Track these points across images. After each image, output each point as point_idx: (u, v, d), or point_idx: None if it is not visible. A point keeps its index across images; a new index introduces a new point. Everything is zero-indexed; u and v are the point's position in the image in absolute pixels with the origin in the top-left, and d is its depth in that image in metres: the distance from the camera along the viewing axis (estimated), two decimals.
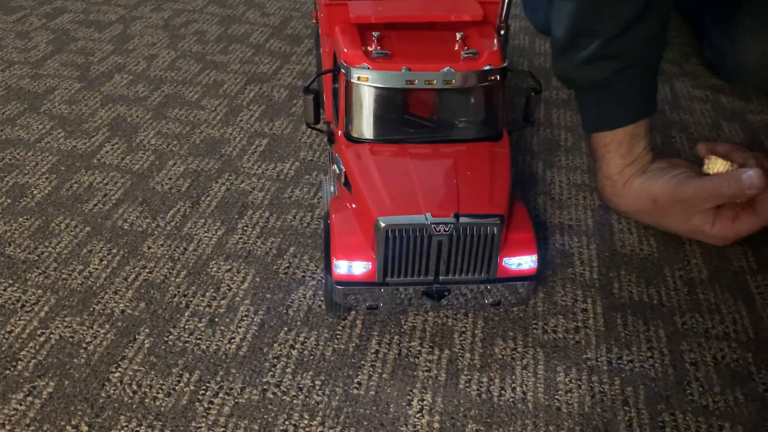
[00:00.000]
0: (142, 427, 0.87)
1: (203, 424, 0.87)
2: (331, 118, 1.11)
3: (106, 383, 0.92)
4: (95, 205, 1.25)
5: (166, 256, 1.14)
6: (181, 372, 0.94)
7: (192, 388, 0.92)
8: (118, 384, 0.92)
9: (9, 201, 1.25)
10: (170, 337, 1.00)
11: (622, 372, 0.98)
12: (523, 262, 0.93)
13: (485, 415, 0.90)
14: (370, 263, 0.91)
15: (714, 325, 1.06)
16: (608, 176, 1.20)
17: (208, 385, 0.93)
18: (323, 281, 1.04)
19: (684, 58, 1.91)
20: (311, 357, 0.98)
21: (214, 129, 1.49)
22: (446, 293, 0.94)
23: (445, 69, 0.94)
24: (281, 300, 1.07)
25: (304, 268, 1.13)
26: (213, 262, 1.13)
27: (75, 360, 0.95)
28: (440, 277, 0.92)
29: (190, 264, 1.13)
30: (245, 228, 1.21)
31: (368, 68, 0.95)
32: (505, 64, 0.99)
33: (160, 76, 1.69)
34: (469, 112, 1.01)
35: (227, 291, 1.08)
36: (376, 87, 0.96)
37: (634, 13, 1.08)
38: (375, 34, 1.00)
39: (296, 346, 0.99)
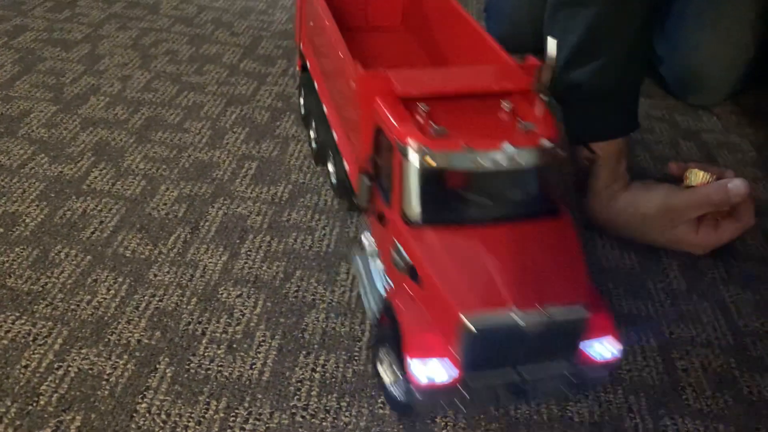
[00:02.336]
0: None
1: None
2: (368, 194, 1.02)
3: (134, 414, 0.93)
4: (92, 232, 1.24)
5: (174, 283, 1.14)
6: (208, 400, 0.96)
7: (222, 415, 0.94)
8: (147, 414, 0.93)
9: (1, 230, 1.23)
10: (191, 365, 1.01)
11: (623, 381, 1.05)
12: (604, 347, 0.88)
13: (505, 428, 0.95)
14: (451, 363, 0.83)
15: (698, 333, 1.15)
16: (596, 192, 1.28)
17: (237, 411, 0.94)
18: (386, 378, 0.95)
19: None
20: (333, 379, 1.01)
21: (201, 152, 1.50)
22: (529, 388, 0.87)
23: (508, 147, 0.88)
24: (295, 324, 1.09)
25: (312, 291, 1.15)
26: (222, 288, 1.15)
27: (98, 392, 0.95)
28: (521, 370, 0.86)
29: (199, 290, 1.14)
30: (249, 252, 1.23)
31: (429, 149, 0.88)
32: (565, 137, 0.96)
33: (138, 98, 1.68)
34: (530, 188, 0.95)
35: (241, 317, 1.10)
36: (438, 169, 0.89)
37: (644, 19, 1.17)
38: (423, 106, 0.93)
39: (317, 369, 1.02)
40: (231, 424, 0.93)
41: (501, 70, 1.06)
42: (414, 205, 0.90)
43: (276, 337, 1.07)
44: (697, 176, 1.22)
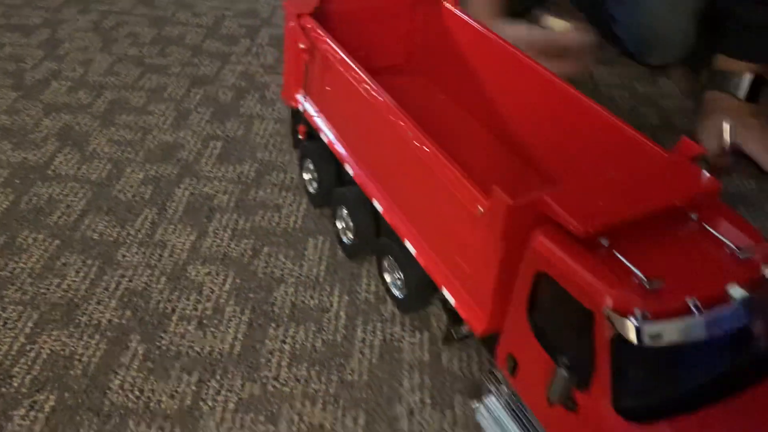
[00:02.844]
0: (152, 430, 0.90)
1: (211, 422, 0.92)
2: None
3: (108, 391, 0.95)
4: (59, 217, 1.24)
5: (143, 264, 1.16)
6: (179, 374, 0.98)
7: (194, 388, 0.96)
8: (120, 391, 0.95)
9: None
10: (162, 342, 1.03)
11: None
12: None
13: (470, 388, 0.99)
14: None
15: None
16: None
17: (209, 384, 0.97)
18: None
19: (599, 46, 2.07)
20: (303, 350, 1.03)
21: (166, 134, 1.50)
22: None
23: (737, 293, 0.68)
24: (264, 298, 1.11)
25: (281, 267, 1.18)
26: (191, 267, 1.16)
27: (71, 372, 0.97)
28: None
29: (168, 270, 1.15)
30: (216, 231, 1.24)
31: (650, 317, 0.65)
32: None
33: (101, 82, 1.67)
34: (759, 337, 0.73)
35: (210, 294, 1.12)
36: (670, 345, 0.65)
37: None
38: (604, 241, 0.72)
39: (287, 340, 1.05)
40: (203, 396, 0.95)
41: (673, 169, 0.82)
42: (634, 392, 0.69)
43: (246, 311, 1.09)
44: (556, 23, 1.41)
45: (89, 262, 1.15)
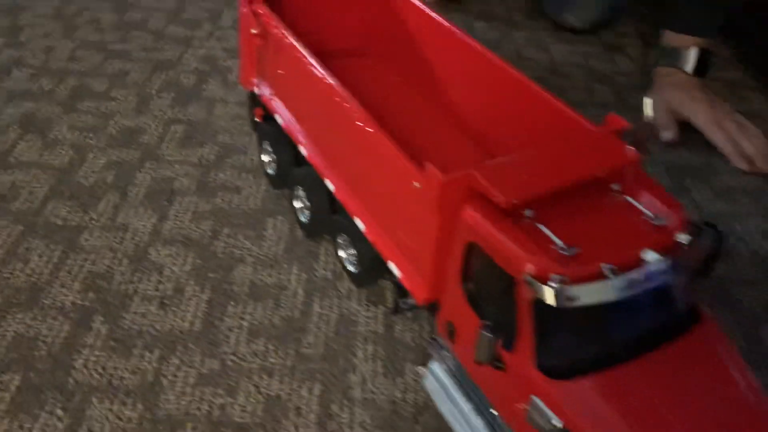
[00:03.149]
0: (115, 405, 0.94)
1: (171, 395, 0.96)
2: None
3: (72, 370, 0.98)
4: (22, 203, 1.27)
5: (106, 247, 1.19)
6: (141, 352, 1.02)
7: (155, 365, 1.00)
8: (84, 369, 0.99)
9: None
10: (125, 321, 1.06)
11: None
12: None
13: (420, 357, 1.04)
14: None
15: None
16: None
17: (170, 360, 1.01)
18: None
19: (557, 26, 2.11)
20: (261, 326, 1.08)
21: (128, 119, 1.53)
22: None
23: (651, 257, 0.73)
24: (224, 278, 1.15)
25: (240, 247, 1.21)
26: (152, 249, 1.20)
27: (36, 353, 1.00)
28: None
29: (130, 252, 1.19)
30: (177, 214, 1.28)
31: (567, 281, 0.69)
32: (694, 221, 0.80)
33: (63, 68, 1.69)
34: (671, 296, 0.78)
35: (171, 274, 1.15)
36: (584, 305, 0.70)
37: None
38: (528, 212, 0.76)
39: (246, 317, 1.09)
40: (164, 372, 0.99)
41: (596, 141, 0.87)
42: (554, 351, 0.73)
43: (205, 291, 1.13)
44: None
45: (52, 246, 1.18)
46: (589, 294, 0.70)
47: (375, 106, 1.22)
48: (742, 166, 1.53)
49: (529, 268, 0.71)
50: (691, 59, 1.64)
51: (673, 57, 1.66)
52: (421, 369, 0.98)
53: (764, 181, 1.50)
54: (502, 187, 0.76)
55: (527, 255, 0.72)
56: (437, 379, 0.93)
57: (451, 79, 1.23)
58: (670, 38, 1.68)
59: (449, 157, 1.15)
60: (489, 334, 0.73)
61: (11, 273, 1.13)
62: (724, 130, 1.57)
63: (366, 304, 1.12)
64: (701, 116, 1.59)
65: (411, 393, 0.99)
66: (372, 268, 1.06)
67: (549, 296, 0.70)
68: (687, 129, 1.65)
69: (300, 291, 1.14)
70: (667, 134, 1.60)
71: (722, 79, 1.90)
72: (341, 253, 1.14)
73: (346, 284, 1.16)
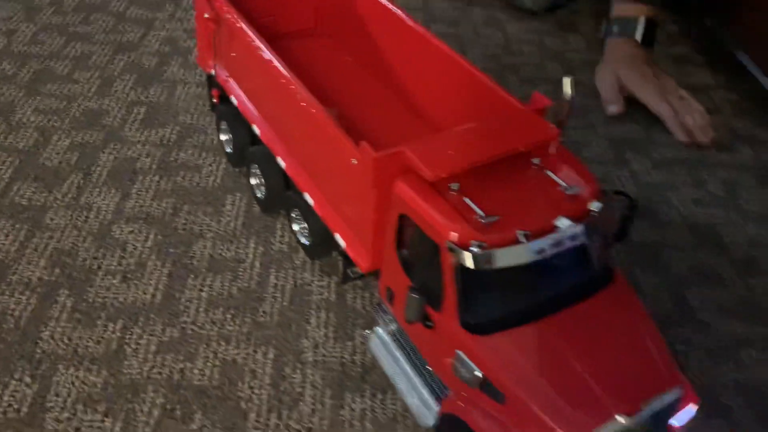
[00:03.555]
0: (80, 372, 1.01)
1: (134, 361, 1.03)
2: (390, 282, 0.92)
3: (39, 341, 1.04)
4: None
5: (70, 225, 1.24)
6: (105, 323, 1.08)
7: (119, 334, 1.07)
8: (51, 340, 1.05)
9: None
10: (89, 295, 1.12)
11: None
12: (687, 413, 0.85)
13: (370, 322, 1.12)
14: None
15: None
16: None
17: (132, 330, 1.07)
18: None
19: (511, 5, 2.17)
20: (219, 296, 1.14)
21: (91, 101, 1.57)
22: None
23: (564, 224, 0.80)
24: (184, 252, 1.21)
25: (200, 223, 1.27)
26: (115, 226, 1.25)
27: (4, 326, 1.06)
28: None
29: (95, 230, 1.24)
30: (139, 192, 1.33)
31: (486, 247, 0.77)
32: (607, 191, 0.87)
33: (25, 52, 1.72)
34: (586, 259, 0.85)
35: (133, 250, 1.21)
36: (499, 268, 0.78)
37: None
38: (454, 186, 0.83)
39: (204, 289, 1.15)
40: (127, 341, 1.06)
41: (519, 119, 0.93)
42: (476, 310, 0.81)
43: (166, 265, 1.19)
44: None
45: (18, 225, 1.23)
46: (504, 257, 0.78)
47: (326, 86, 1.29)
48: (683, 138, 1.62)
49: (452, 235, 0.79)
50: (639, 29, 1.72)
51: (622, 27, 1.73)
52: (367, 332, 1.06)
53: (701, 153, 1.58)
54: (429, 163, 0.84)
55: (450, 224, 0.79)
56: (381, 341, 1.01)
57: (398, 59, 1.29)
58: (619, 9, 1.75)
59: (396, 134, 1.21)
60: (416, 295, 0.81)
61: None
62: (668, 104, 1.65)
63: (319, 275, 1.19)
64: (647, 90, 1.67)
65: (359, 355, 1.07)
66: (322, 240, 1.13)
67: (468, 260, 0.78)
68: (630, 104, 1.73)
69: (257, 263, 1.20)
70: (613, 108, 1.68)
71: (669, 54, 1.97)
72: (295, 227, 1.21)
73: (301, 256, 1.22)
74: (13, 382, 0.98)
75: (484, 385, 0.80)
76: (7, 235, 1.21)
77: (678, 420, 0.86)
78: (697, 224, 1.38)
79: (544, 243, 0.80)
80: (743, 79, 1.82)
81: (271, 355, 1.06)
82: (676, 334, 1.15)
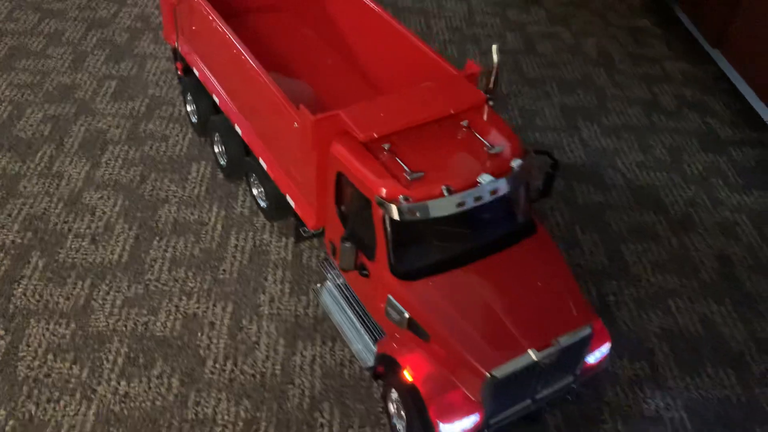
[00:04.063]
0: (51, 325, 1.09)
1: (101, 315, 1.11)
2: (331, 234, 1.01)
3: (12, 297, 1.12)
4: None
5: (43, 192, 1.32)
6: (75, 281, 1.16)
7: (87, 291, 1.14)
8: (23, 297, 1.12)
9: None
10: (60, 256, 1.20)
11: None
12: (601, 351, 0.94)
13: (323, 278, 1.20)
14: (477, 414, 0.85)
15: None
16: None
17: (99, 287, 1.15)
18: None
19: None
20: (182, 256, 1.22)
21: (64, 76, 1.63)
22: (542, 410, 0.94)
23: (485, 179, 0.87)
24: (150, 216, 1.29)
25: (166, 189, 1.35)
26: (85, 193, 1.33)
27: None
28: (536, 396, 0.90)
29: (65, 196, 1.31)
30: (109, 161, 1.40)
31: (411, 200, 0.84)
32: (527, 149, 0.95)
33: (1, 29, 1.77)
34: (509, 212, 0.94)
35: (102, 215, 1.28)
36: (424, 219, 0.85)
37: None
38: (385, 146, 0.90)
39: (168, 249, 1.23)
40: (95, 297, 1.14)
41: (450, 85, 1.00)
42: (403, 258, 0.88)
43: (133, 228, 1.26)
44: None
45: None
46: (427, 210, 0.86)
47: (286, 56, 1.35)
48: None
49: (380, 191, 0.86)
50: None
51: None
52: (317, 286, 1.14)
53: (650, 121, 1.66)
54: (361, 125, 0.91)
55: (379, 180, 0.87)
56: (329, 294, 1.09)
57: (353, 32, 1.36)
58: None
59: (351, 101, 1.28)
60: (348, 244, 0.88)
61: None
62: None
63: (278, 236, 1.27)
64: None
65: (312, 308, 1.15)
66: (278, 202, 1.20)
67: (395, 213, 0.85)
68: (587, 72, 1.80)
69: (218, 226, 1.28)
70: None
71: (628, 26, 2.04)
72: (254, 191, 1.28)
73: (261, 219, 1.30)
74: None
75: (412, 325, 0.88)
76: None
77: (593, 357, 0.94)
78: (640, 186, 1.46)
79: (465, 196, 0.87)
80: (696, 50, 1.89)
81: (229, 309, 1.14)
82: (609, 286, 1.23)
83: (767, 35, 1.57)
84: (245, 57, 1.08)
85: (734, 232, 1.37)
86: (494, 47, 0.99)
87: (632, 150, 1.56)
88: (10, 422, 0.97)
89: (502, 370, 0.83)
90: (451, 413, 0.84)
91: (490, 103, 1.00)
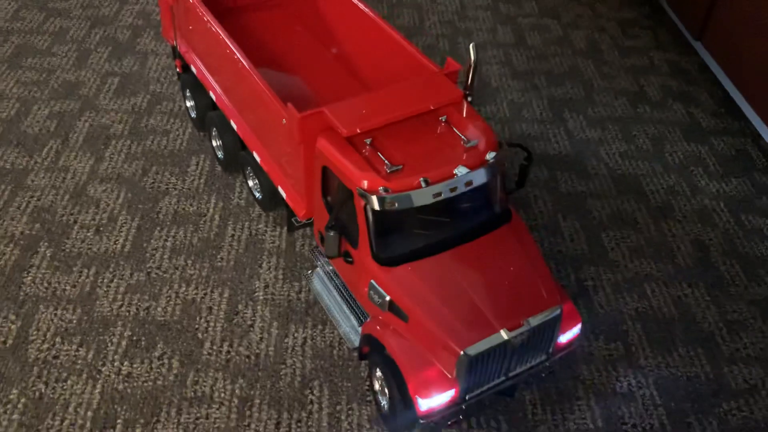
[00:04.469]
0: (59, 310, 1.16)
1: (105, 301, 1.18)
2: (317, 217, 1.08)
3: (22, 285, 1.19)
4: None
5: (49, 186, 1.39)
6: (81, 269, 1.23)
7: (92, 278, 1.21)
8: (32, 284, 1.20)
9: None
10: (66, 246, 1.27)
11: None
12: (572, 332, 1.00)
13: (313, 265, 1.26)
14: (453, 390, 0.91)
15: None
16: None
17: (104, 275, 1.22)
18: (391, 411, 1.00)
19: None
20: (182, 245, 1.29)
21: (68, 73, 1.69)
22: (516, 387, 1.00)
23: (461, 171, 0.93)
24: (152, 208, 1.36)
25: (166, 182, 1.41)
26: (90, 186, 1.39)
27: None
28: (510, 374, 0.96)
29: (71, 189, 1.38)
30: (112, 156, 1.47)
31: (390, 192, 0.91)
32: (503, 143, 1.00)
33: (7, 28, 1.84)
34: (484, 201, 1.00)
35: (106, 206, 1.35)
36: (402, 208, 0.92)
37: None
38: (367, 141, 0.97)
39: (169, 239, 1.30)
40: (99, 284, 1.21)
41: (429, 82, 1.05)
42: (384, 246, 0.94)
43: (135, 219, 1.33)
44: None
45: (2, 187, 1.38)
46: (405, 200, 0.92)
47: (279, 53, 1.41)
48: None
49: (362, 183, 0.93)
50: None
51: None
52: (308, 273, 1.20)
53: (635, 111, 1.71)
54: (344, 121, 0.97)
55: (360, 173, 0.93)
56: (320, 280, 1.16)
57: (342, 30, 1.42)
58: None
59: (339, 96, 1.34)
60: (331, 233, 0.95)
61: None
62: None
63: (272, 226, 1.34)
64: None
65: (304, 293, 1.22)
66: (271, 194, 1.27)
67: (375, 203, 0.92)
68: (573, 65, 1.85)
69: (216, 217, 1.35)
70: None
71: (617, 17, 2.09)
72: (250, 183, 1.35)
73: (257, 210, 1.36)
74: (0, 319, 1.14)
75: (392, 307, 0.95)
76: None
77: (565, 337, 1.01)
78: (622, 175, 1.52)
79: (441, 187, 0.93)
80: (683, 42, 1.93)
81: (226, 295, 1.21)
82: (588, 272, 1.29)
83: (744, 27, 1.62)
84: (237, 56, 1.14)
85: (711, 218, 1.42)
86: (471, 45, 1.05)
87: (616, 140, 1.61)
88: (22, 400, 1.04)
89: (474, 349, 0.89)
90: (429, 388, 0.91)
91: (468, 99, 1.06)
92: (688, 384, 1.13)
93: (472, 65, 1.05)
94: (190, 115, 1.54)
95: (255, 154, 1.22)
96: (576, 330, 1.01)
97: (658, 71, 1.86)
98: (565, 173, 1.51)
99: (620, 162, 1.55)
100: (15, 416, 1.02)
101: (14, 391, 1.05)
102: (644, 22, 2.08)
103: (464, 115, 1.03)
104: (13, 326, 1.13)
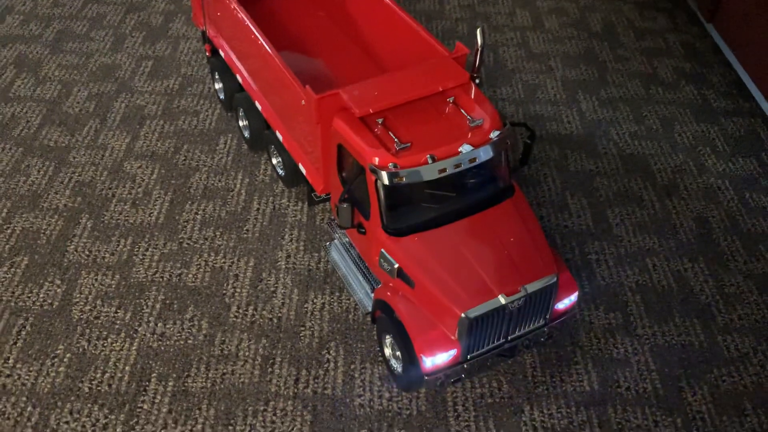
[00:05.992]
0: (99, 276, 1.27)
1: (141, 268, 1.28)
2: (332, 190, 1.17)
3: (66, 253, 1.31)
4: (22, 130, 1.57)
5: (89, 162, 1.49)
6: (119, 239, 1.34)
7: (129, 248, 1.32)
8: (75, 252, 1.31)
9: None
10: (105, 218, 1.38)
11: None
12: (569, 299, 1.06)
13: (331, 237, 1.35)
14: (455, 350, 0.98)
15: None
16: None
17: (139, 244, 1.33)
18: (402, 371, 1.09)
19: None
20: (211, 218, 1.39)
21: (105, 57, 1.80)
22: (515, 348, 1.06)
23: (466, 149, 1.00)
24: (183, 183, 1.46)
25: (197, 159, 1.51)
26: (126, 163, 1.50)
27: (38, 242, 1.32)
28: (509, 337, 1.03)
29: (109, 166, 1.49)
30: (146, 134, 1.57)
31: (399, 167, 0.97)
32: (507, 122, 1.06)
33: (48, 14, 1.95)
34: (488, 176, 1.06)
35: (141, 182, 1.46)
36: (410, 183, 0.98)
37: None
38: (379, 120, 1.04)
39: (199, 212, 1.40)
40: (135, 252, 1.31)
41: (438, 66, 1.11)
42: (393, 218, 1.01)
43: (168, 193, 1.43)
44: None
45: (47, 163, 1.49)
46: (413, 175, 1.00)
47: (302, 38, 1.49)
48: None
49: (373, 159, 1.01)
50: None
51: None
52: (327, 244, 1.29)
53: (647, 92, 1.76)
54: (357, 102, 1.05)
55: (372, 150, 1.02)
56: (336, 251, 1.25)
57: (361, 16, 1.49)
58: None
59: (357, 78, 1.42)
60: (344, 205, 1.03)
61: (16, 185, 1.44)
62: None
63: (295, 201, 1.43)
64: None
65: (323, 263, 1.31)
66: (293, 171, 1.35)
67: (385, 178, 1.00)
68: (588, 47, 1.89)
69: (243, 192, 1.44)
70: None
71: (634, 0, 2.12)
72: (274, 161, 1.44)
73: (280, 186, 1.46)
74: (47, 284, 1.25)
75: (400, 274, 1.03)
76: (38, 171, 1.47)
77: (562, 304, 1.08)
78: (631, 155, 1.57)
79: (446, 163, 1.01)
80: (698, 23, 1.96)
81: (251, 263, 1.31)
82: (592, 246, 1.36)
83: (755, 10, 1.65)
84: (261, 41, 1.23)
85: (716, 196, 1.47)
86: (478, 30, 1.12)
87: (627, 121, 1.67)
88: (68, 355, 1.16)
89: (474, 312, 0.97)
90: (433, 348, 0.99)
91: (476, 81, 1.13)
92: (682, 351, 1.20)
93: (479, 48, 1.12)
94: (218, 97, 1.63)
95: (278, 134, 1.31)
96: (573, 298, 1.08)
97: (672, 53, 1.89)
98: (576, 152, 1.57)
99: (629, 142, 1.60)
100: (62, 369, 1.14)
101: (60, 347, 1.17)
102: (661, 3, 2.11)
103: (471, 97, 1.10)
104: (58, 290, 1.24)
